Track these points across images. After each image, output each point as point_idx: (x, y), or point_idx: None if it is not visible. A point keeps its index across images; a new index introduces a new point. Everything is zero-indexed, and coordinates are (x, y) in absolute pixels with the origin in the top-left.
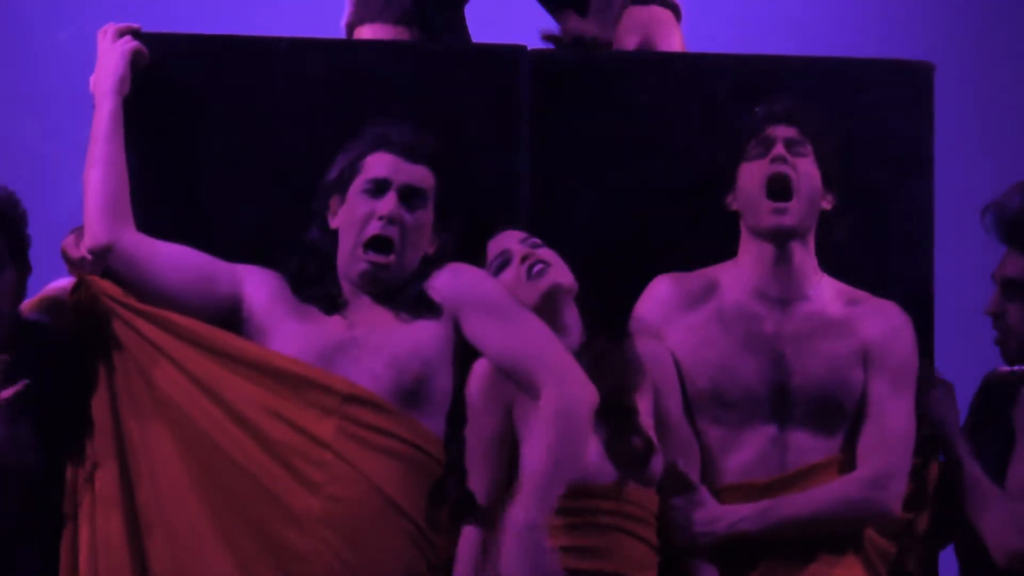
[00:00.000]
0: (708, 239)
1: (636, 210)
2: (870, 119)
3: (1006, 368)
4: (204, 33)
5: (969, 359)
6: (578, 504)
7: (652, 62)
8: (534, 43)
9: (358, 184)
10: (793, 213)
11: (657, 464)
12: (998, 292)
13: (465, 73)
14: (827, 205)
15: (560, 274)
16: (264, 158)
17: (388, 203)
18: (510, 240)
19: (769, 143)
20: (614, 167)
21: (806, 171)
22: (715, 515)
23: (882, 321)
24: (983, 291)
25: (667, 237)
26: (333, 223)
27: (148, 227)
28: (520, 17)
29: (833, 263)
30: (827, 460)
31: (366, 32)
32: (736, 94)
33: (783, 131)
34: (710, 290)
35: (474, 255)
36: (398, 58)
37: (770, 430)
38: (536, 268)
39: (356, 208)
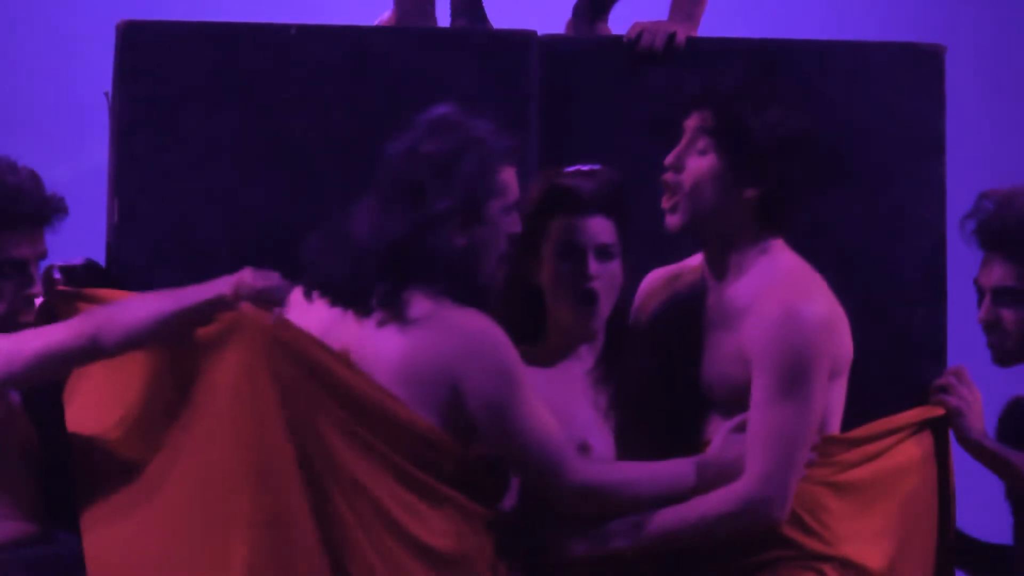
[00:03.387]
0: None
1: (647, 195)
2: (881, 103)
3: None
4: (214, 21)
5: (984, 344)
6: None
7: None
8: (544, 28)
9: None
10: (678, 214)
11: None
12: (989, 301)
13: (475, 58)
14: (751, 195)
15: None
16: (274, 145)
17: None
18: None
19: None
20: (624, 153)
21: (693, 168)
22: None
23: (766, 321)
24: None
25: None
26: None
27: (157, 216)
28: (531, 2)
29: (843, 249)
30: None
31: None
32: (746, 78)
33: (690, 120)
34: (682, 275)
35: None
36: (407, 44)
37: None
38: None
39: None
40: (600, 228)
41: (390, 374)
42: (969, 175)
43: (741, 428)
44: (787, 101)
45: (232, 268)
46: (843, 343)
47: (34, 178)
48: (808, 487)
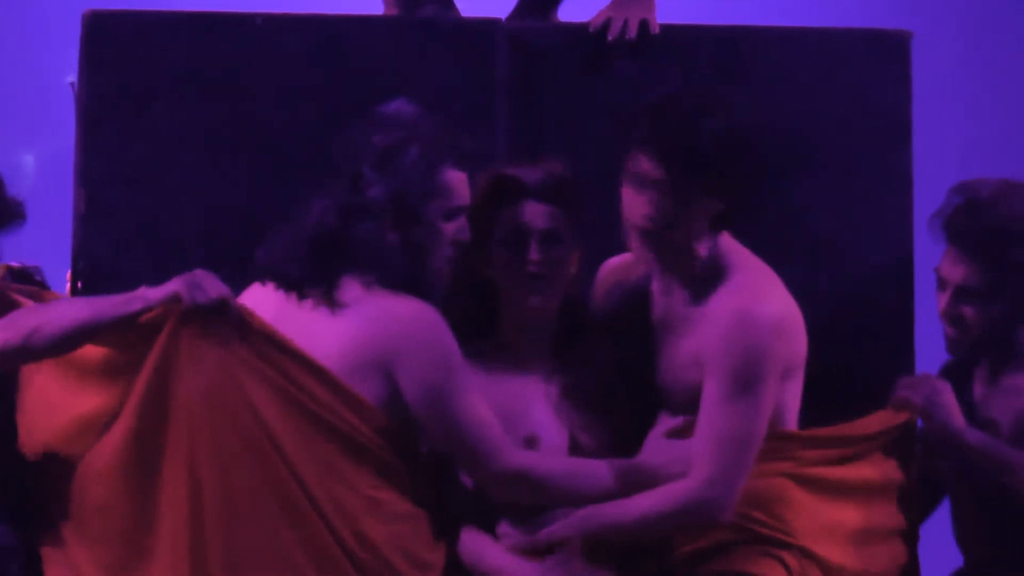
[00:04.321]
0: None
1: (613, 184)
2: (848, 90)
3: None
4: (181, 10)
5: None
6: None
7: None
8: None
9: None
10: (638, 249)
11: None
12: (951, 296)
13: (441, 47)
14: (718, 207)
15: None
16: (242, 135)
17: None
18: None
19: (640, 183)
20: (591, 140)
21: (676, 213)
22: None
23: (718, 323)
24: None
25: None
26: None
27: (127, 206)
28: None
29: (810, 236)
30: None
31: None
32: (714, 66)
33: (654, 170)
34: (636, 265)
35: None
36: (375, 33)
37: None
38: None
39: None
40: (543, 214)
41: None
42: (936, 162)
43: (674, 434)
44: (713, 97)
45: (199, 259)
46: (797, 342)
47: None
48: (771, 480)
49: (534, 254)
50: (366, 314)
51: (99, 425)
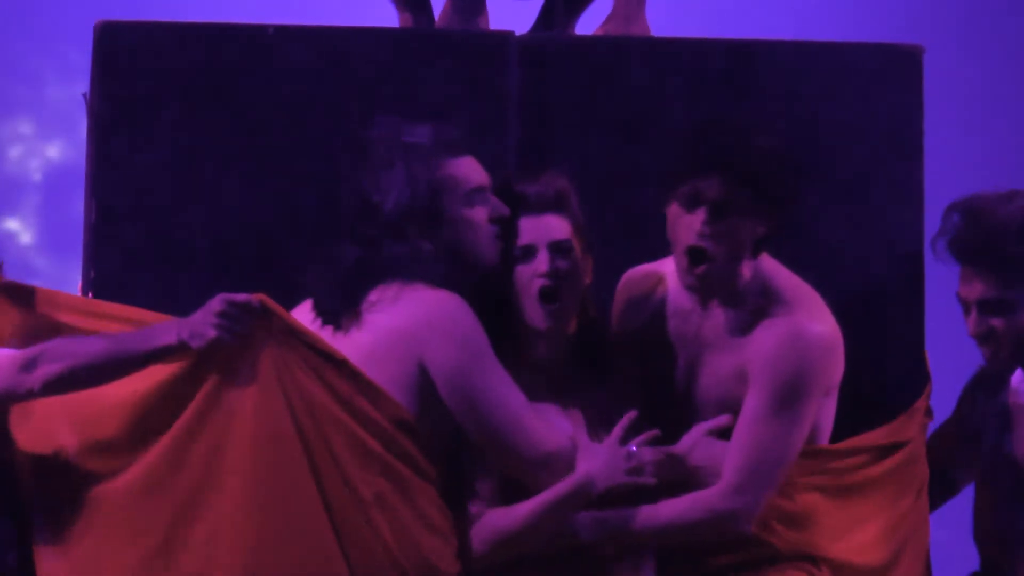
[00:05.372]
0: None
1: (624, 195)
2: (859, 103)
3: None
4: (192, 21)
5: (961, 344)
6: None
7: (640, 46)
8: (522, 29)
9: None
10: (707, 277)
11: None
12: (976, 313)
13: (453, 59)
14: (761, 230)
15: None
16: (251, 145)
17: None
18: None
19: (694, 202)
20: (602, 152)
21: (728, 234)
22: None
23: (771, 340)
24: None
25: (655, 222)
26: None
27: (135, 216)
28: (509, 3)
29: (821, 248)
30: None
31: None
32: (726, 79)
33: (710, 190)
34: (656, 286)
35: None
36: (386, 44)
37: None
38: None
39: None
40: (552, 225)
41: (362, 366)
42: (947, 176)
43: (715, 433)
44: (749, 121)
45: (210, 268)
46: (840, 363)
47: None
48: (799, 495)
49: (542, 267)
50: (393, 311)
51: (107, 414)
